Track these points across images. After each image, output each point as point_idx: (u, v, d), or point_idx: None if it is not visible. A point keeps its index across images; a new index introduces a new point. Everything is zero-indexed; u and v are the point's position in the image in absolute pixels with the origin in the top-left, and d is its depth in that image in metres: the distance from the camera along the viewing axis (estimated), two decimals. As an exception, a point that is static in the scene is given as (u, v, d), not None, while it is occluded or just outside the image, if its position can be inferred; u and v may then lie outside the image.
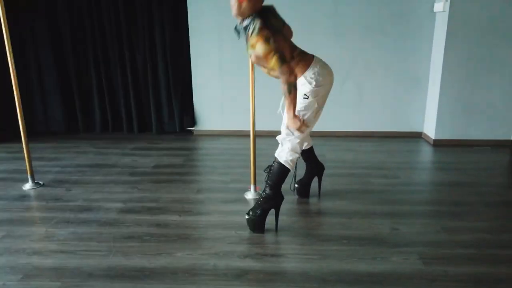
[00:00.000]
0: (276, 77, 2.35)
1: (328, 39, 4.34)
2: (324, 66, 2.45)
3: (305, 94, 2.39)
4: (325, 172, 3.41)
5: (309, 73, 2.38)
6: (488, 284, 1.97)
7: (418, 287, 1.95)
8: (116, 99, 4.80)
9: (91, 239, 2.42)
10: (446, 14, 3.91)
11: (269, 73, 2.40)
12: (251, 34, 2.19)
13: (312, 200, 2.96)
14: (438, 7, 4.01)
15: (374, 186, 3.20)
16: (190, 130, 4.84)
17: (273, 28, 2.23)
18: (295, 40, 4.32)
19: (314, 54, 2.48)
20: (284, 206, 2.55)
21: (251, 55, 2.32)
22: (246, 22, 2.24)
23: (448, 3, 3.88)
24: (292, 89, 2.23)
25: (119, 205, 2.88)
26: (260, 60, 2.28)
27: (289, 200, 2.84)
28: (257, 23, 2.17)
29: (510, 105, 4.09)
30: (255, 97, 2.81)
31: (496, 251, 2.25)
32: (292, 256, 2.22)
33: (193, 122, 4.78)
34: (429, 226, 2.55)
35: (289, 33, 2.58)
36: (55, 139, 4.64)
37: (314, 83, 2.37)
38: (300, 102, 2.41)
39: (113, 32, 4.54)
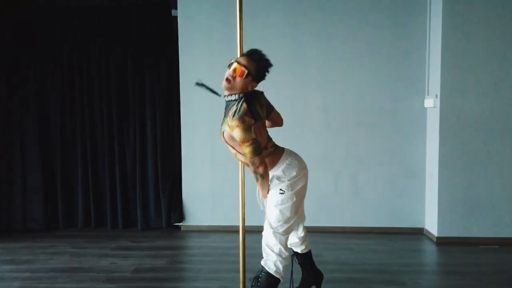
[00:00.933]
0: (242, 161, 2.26)
1: (320, 134, 4.31)
2: (296, 158, 2.35)
3: (280, 189, 2.26)
4: (324, 277, 3.11)
5: (279, 168, 2.26)
6: None
7: None
8: (101, 193, 4.59)
9: None
10: (438, 109, 3.92)
11: (235, 156, 2.26)
12: (233, 115, 2.06)
13: (309, 314, 2.61)
14: (429, 103, 4.04)
15: (378, 294, 2.88)
16: (178, 225, 4.55)
17: (256, 116, 2.12)
18: (287, 134, 4.34)
19: (285, 148, 2.42)
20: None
21: (223, 132, 2.16)
22: (231, 98, 2.13)
23: (438, 100, 3.91)
24: (259, 177, 2.18)
25: (89, 322, 2.51)
26: (232, 142, 2.15)
27: (283, 316, 2.49)
28: (242, 107, 2.06)
29: (512, 201, 3.91)
30: (245, 190, 2.59)
31: None
32: None
33: (181, 218, 4.51)
34: None
35: (278, 118, 2.51)
36: (32, 237, 4.29)
37: (286, 178, 2.23)
38: (276, 198, 2.24)
39: (104, 125, 4.50)
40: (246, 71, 2.06)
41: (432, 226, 4.10)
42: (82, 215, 4.57)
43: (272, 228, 2.28)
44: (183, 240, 4.25)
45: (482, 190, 3.92)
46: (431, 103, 3.99)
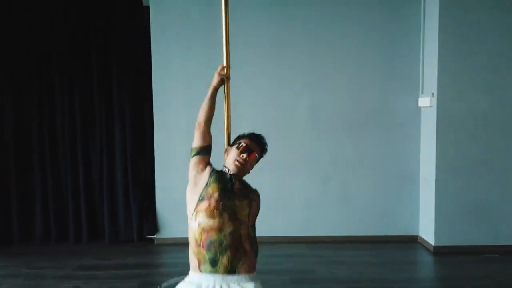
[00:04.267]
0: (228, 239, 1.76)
1: (306, 137, 4.02)
2: None
3: None
4: None
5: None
6: None
7: None
8: (63, 203, 4.08)
9: None
10: (434, 109, 3.67)
11: (223, 230, 1.76)
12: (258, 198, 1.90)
13: None
14: (424, 102, 3.78)
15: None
16: (151, 238, 4.10)
17: None
18: (271, 136, 4.01)
19: None
20: None
21: (249, 202, 1.84)
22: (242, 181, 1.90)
23: (435, 99, 3.65)
24: None
25: None
26: (251, 212, 1.87)
27: None
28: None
29: (512, 205, 3.70)
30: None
31: None
32: None
33: (155, 229, 4.06)
34: None
35: None
36: (-20, 255, 3.74)
37: None
38: None
39: (64, 126, 4.02)
40: (257, 157, 1.91)
41: (428, 234, 3.85)
42: (41, 227, 4.06)
43: None
44: (157, 256, 3.82)
45: (482, 194, 3.70)
46: (426, 102, 3.73)
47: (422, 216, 3.97)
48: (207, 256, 1.72)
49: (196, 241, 1.74)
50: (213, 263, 1.72)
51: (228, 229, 1.72)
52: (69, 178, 4.04)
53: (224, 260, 1.71)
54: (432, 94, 3.68)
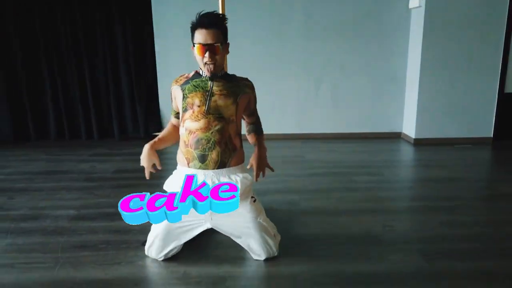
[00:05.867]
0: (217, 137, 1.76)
1: (300, 40, 4.16)
2: None
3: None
4: (306, 172, 3.21)
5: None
6: (502, 278, 1.72)
7: (425, 286, 1.68)
8: (73, 104, 4.37)
9: (33, 250, 2.00)
10: (423, 9, 3.80)
11: (210, 129, 1.75)
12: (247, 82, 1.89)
13: (293, 198, 2.66)
14: (414, 2, 3.90)
15: (359, 184, 2.95)
16: (157, 135, 4.45)
17: None
18: (266, 38, 4.16)
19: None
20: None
21: (239, 96, 1.82)
22: (221, 73, 1.84)
23: (424, -2, 3.78)
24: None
25: (71, 212, 2.47)
26: (243, 107, 1.88)
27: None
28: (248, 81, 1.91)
29: (489, 103, 3.99)
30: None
31: (503, 245, 2.02)
32: (277, 259, 1.89)
33: (160, 127, 4.41)
34: (425, 222, 2.30)
35: None
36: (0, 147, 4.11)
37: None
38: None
39: (68, 35, 4.17)
40: (219, 45, 1.72)
41: (409, 129, 4.18)
42: (55, 126, 4.39)
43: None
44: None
45: (461, 94, 3.96)
46: (416, 2, 3.85)
47: (406, 115, 4.27)
48: (195, 153, 1.73)
49: (184, 142, 1.76)
50: (202, 159, 1.72)
51: (215, 127, 1.72)
52: (76, 84, 4.26)
53: (213, 155, 1.73)
54: (422, -7, 3.80)
